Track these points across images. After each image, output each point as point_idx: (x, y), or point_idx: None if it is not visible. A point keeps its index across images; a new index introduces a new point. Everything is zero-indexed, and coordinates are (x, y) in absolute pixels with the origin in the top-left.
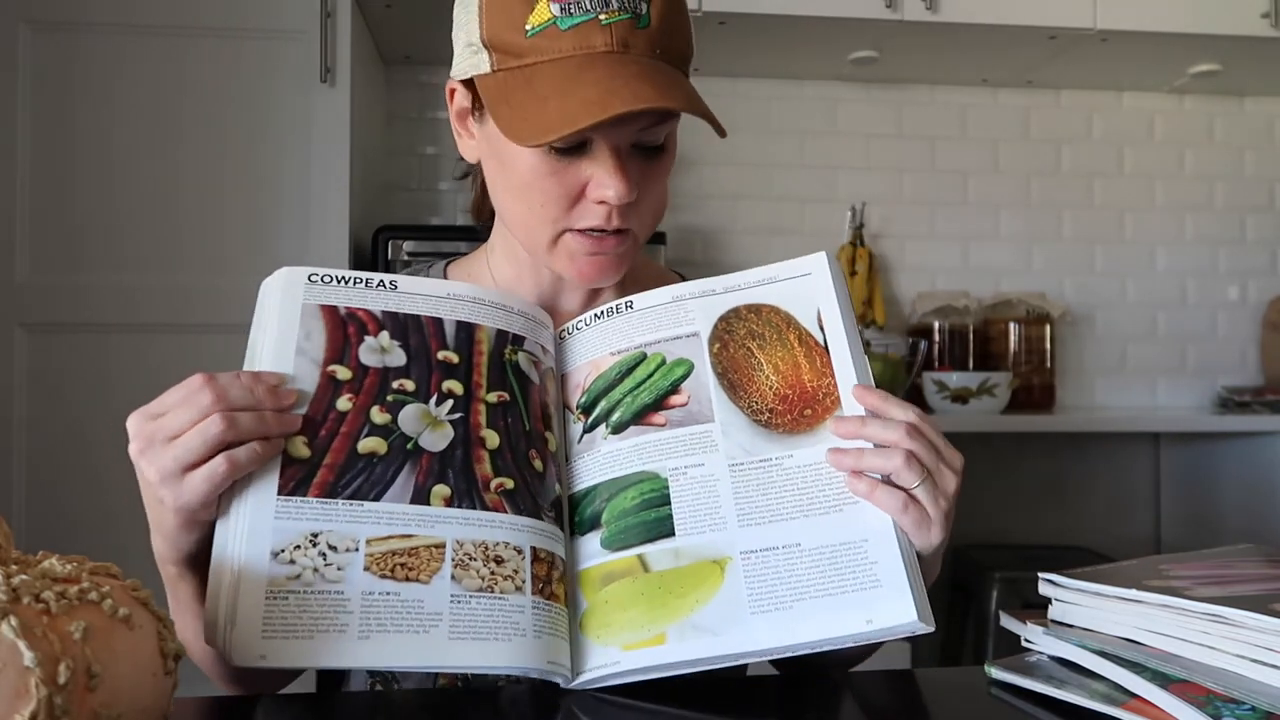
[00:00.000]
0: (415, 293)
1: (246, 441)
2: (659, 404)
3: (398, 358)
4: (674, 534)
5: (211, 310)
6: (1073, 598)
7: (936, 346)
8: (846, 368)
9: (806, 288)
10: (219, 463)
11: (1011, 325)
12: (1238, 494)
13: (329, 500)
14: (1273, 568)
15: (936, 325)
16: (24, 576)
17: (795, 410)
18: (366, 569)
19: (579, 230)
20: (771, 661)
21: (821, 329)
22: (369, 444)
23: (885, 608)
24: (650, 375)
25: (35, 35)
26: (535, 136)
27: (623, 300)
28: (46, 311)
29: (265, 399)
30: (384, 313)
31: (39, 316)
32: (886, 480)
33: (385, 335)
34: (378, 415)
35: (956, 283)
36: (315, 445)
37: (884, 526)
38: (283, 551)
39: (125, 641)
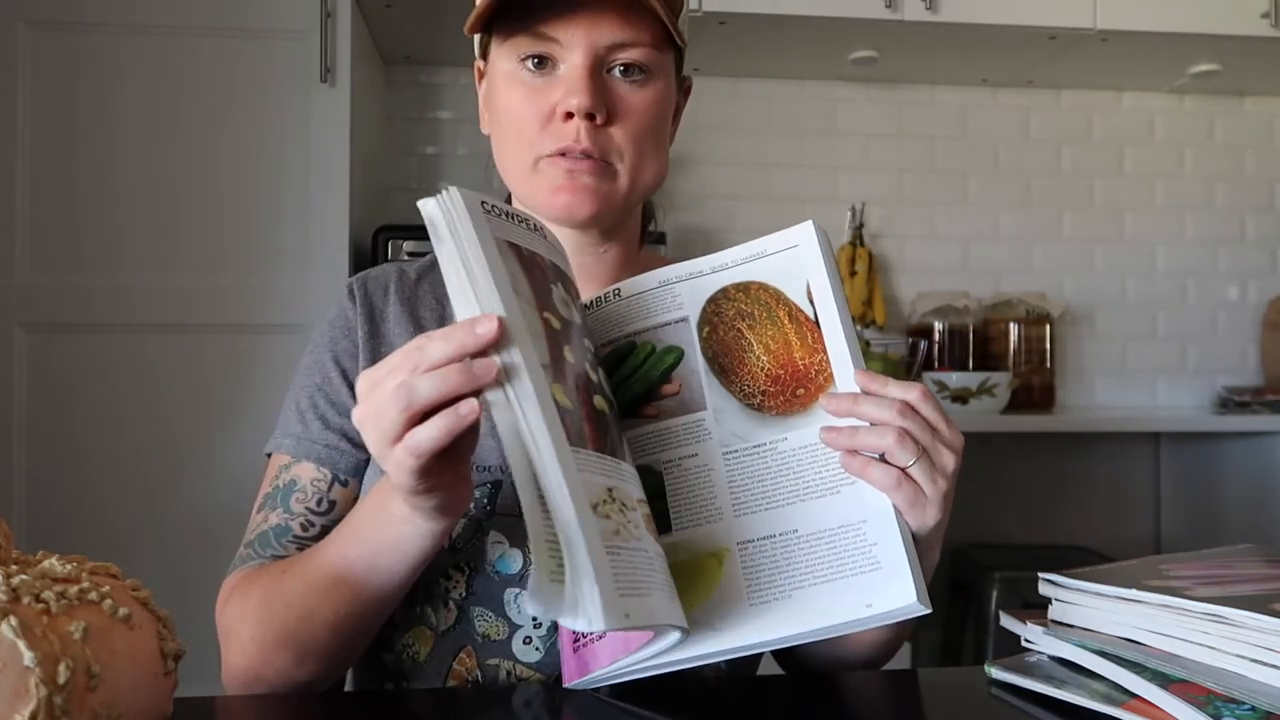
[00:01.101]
0: (550, 243)
1: (441, 406)
2: (650, 394)
3: (572, 312)
4: (671, 529)
5: (211, 310)
6: (1073, 598)
7: (936, 346)
8: (838, 340)
9: (795, 260)
10: (406, 445)
11: (1011, 325)
12: (1238, 494)
13: (604, 456)
14: (1273, 568)
15: (936, 325)
16: (24, 576)
17: (788, 391)
18: (643, 526)
19: (552, 154)
20: (779, 661)
21: (812, 302)
22: (599, 401)
23: (884, 591)
24: (640, 365)
25: (35, 35)
26: (479, 14)
27: (610, 289)
28: (46, 311)
29: (469, 343)
30: (551, 263)
31: (39, 316)
32: (881, 459)
33: (560, 287)
34: (590, 371)
35: (956, 283)
36: (570, 396)
37: (882, 506)
38: (599, 505)
39: (125, 641)
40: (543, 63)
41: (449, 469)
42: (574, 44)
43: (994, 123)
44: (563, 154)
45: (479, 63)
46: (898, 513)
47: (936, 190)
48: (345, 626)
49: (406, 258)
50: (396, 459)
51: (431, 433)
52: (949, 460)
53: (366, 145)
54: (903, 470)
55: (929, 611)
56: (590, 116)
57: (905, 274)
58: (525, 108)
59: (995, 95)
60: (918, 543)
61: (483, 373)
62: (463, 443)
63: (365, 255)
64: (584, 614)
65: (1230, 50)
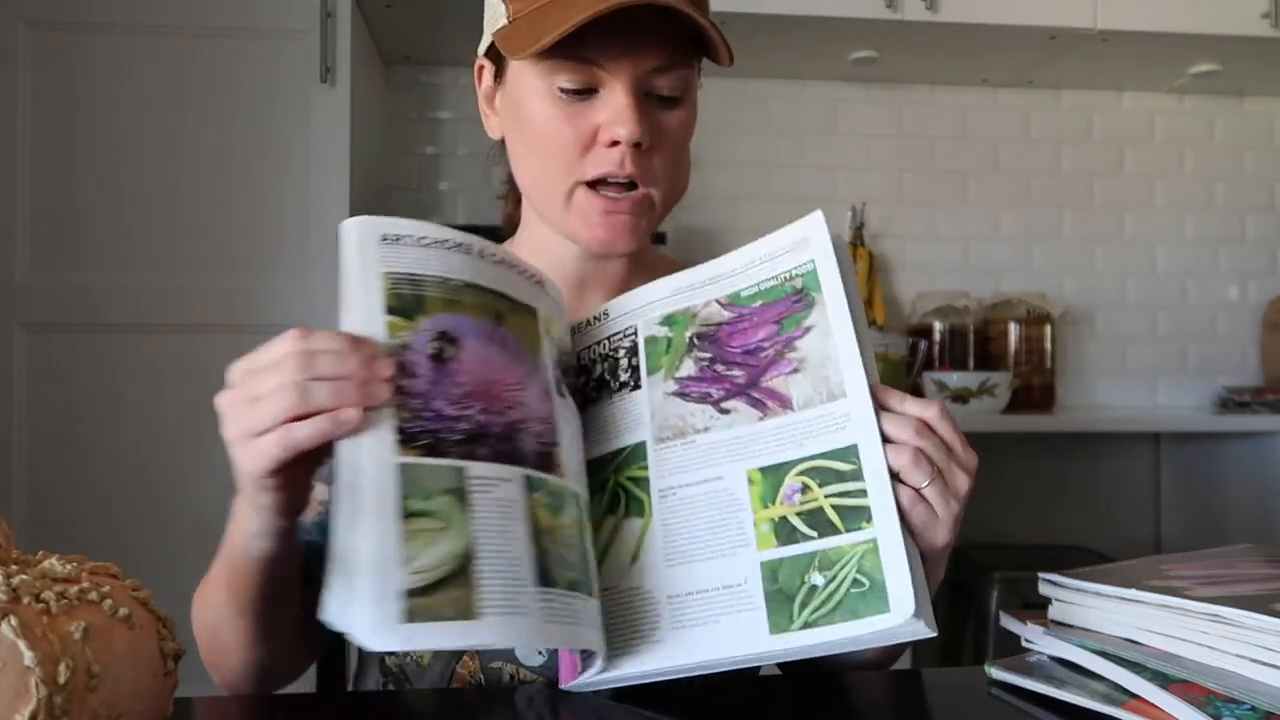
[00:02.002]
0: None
1: (320, 411)
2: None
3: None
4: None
5: (211, 310)
6: (1073, 598)
7: (936, 346)
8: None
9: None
10: (278, 434)
11: (1011, 325)
12: (1238, 494)
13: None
14: (1273, 568)
15: (936, 325)
16: (24, 576)
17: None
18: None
19: (592, 186)
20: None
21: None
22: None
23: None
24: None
25: (35, 35)
26: (531, 43)
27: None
28: (46, 311)
29: (357, 369)
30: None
31: (39, 316)
32: (895, 476)
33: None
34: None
35: (956, 283)
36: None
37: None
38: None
39: (125, 641)
40: (584, 90)
41: (301, 470)
42: (618, 70)
43: (994, 123)
44: (602, 180)
45: (482, 61)
46: (906, 532)
47: (936, 190)
48: (244, 638)
49: None
50: (260, 448)
51: (309, 432)
52: (963, 482)
53: (366, 145)
54: (916, 491)
55: (935, 634)
56: (636, 144)
57: (905, 274)
58: (565, 130)
59: (995, 95)
60: (924, 561)
61: (380, 394)
62: (324, 448)
63: None
64: (355, 631)
65: (1230, 50)
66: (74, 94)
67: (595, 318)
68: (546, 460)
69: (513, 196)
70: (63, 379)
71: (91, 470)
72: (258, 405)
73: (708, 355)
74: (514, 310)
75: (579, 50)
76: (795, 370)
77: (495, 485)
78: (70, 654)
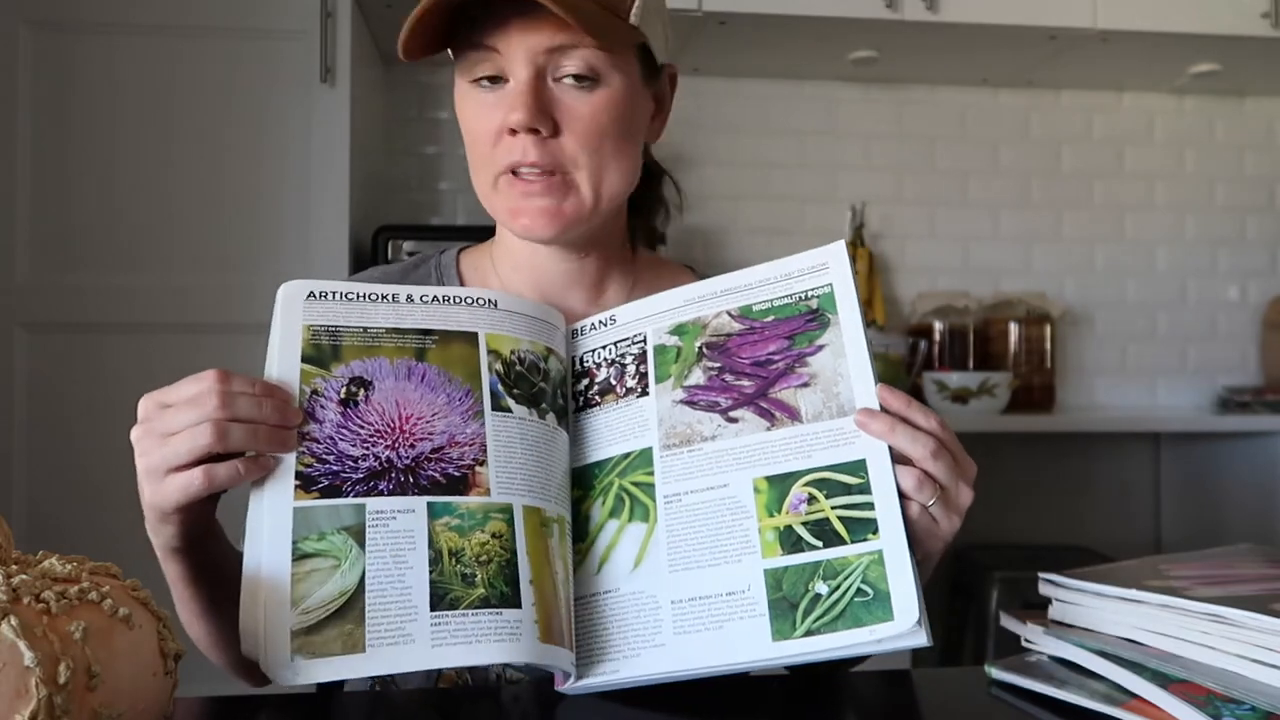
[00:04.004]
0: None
1: (238, 454)
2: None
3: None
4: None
5: (211, 310)
6: (1073, 598)
7: (936, 346)
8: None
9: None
10: (196, 475)
11: (1011, 325)
12: (1238, 494)
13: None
14: (1273, 568)
15: (936, 325)
16: (24, 576)
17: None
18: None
19: (509, 172)
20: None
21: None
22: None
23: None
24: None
25: (35, 35)
26: (403, 29)
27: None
28: (46, 311)
29: (271, 415)
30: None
31: (39, 316)
32: (902, 495)
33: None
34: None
35: (956, 283)
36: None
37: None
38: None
39: (125, 641)
40: (494, 79)
41: (207, 503)
42: (513, 54)
43: (994, 123)
44: (514, 171)
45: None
46: (910, 545)
47: (936, 190)
48: (210, 640)
49: (406, 257)
50: (177, 484)
51: (231, 473)
52: (966, 498)
53: (366, 145)
54: (923, 506)
55: (930, 645)
56: (534, 130)
57: (905, 274)
58: (480, 124)
59: (995, 95)
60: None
61: (290, 442)
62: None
63: (365, 255)
64: (260, 662)
65: (1230, 50)
66: (74, 94)
67: (601, 322)
68: (462, 482)
69: None
70: (63, 379)
71: (91, 470)
72: (171, 441)
73: (717, 365)
74: (444, 341)
75: (476, 36)
76: (805, 384)
77: (393, 518)
78: (70, 654)
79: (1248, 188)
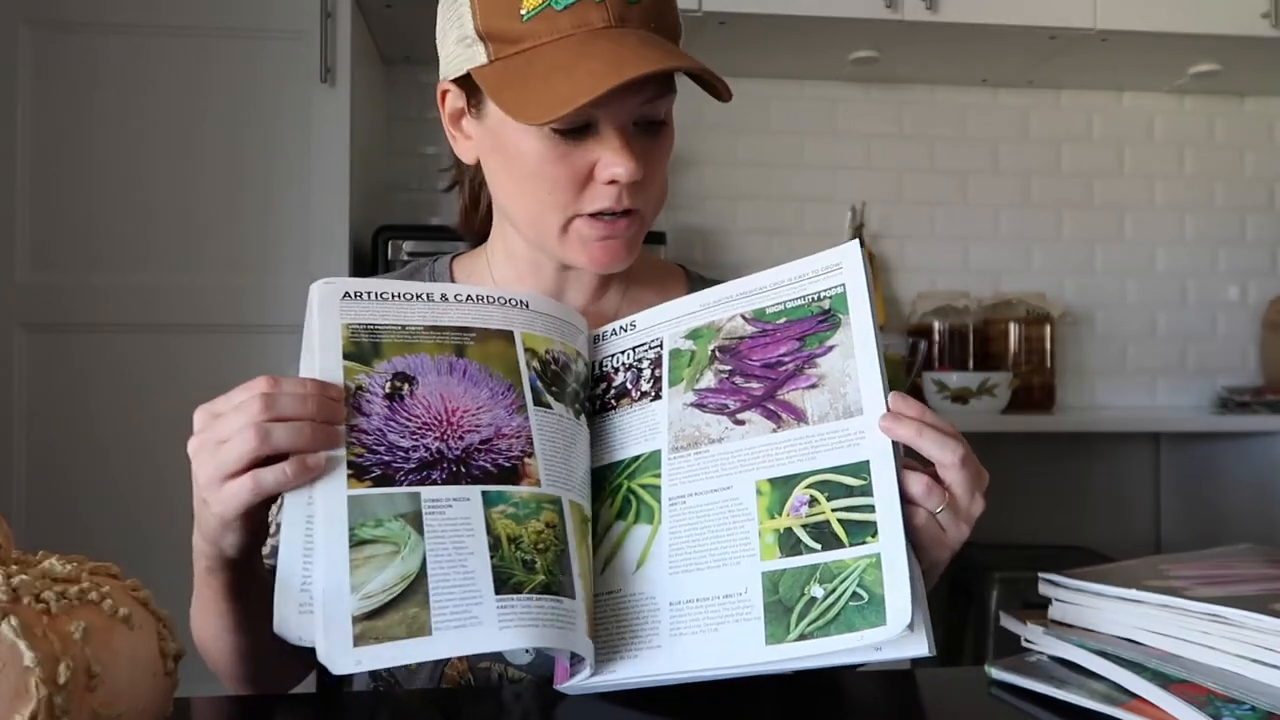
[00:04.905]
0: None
1: (291, 453)
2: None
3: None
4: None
5: (212, 310)
6: (1073, 598)
7: (936, 346)
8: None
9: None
10: (245, 480)
11: (1011, 325)
12: (1238, 494)
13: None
14: (1272, 568)
15: (936, 325)
16: (24, 576)
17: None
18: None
19: (589, 215)
20: None
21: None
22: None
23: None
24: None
25: (35, 35)
26: (545, 113)
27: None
28: (46, 311)
29: (315, 411)
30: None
31: (39, 316)
32: (911, 501)
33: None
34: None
35: (956, 283)
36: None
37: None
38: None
39: (125, 641)
40: (582, 128)
41: (262, 508)
42: (616, 111)
43: (994, 123)
44: (600, 213)
45: (447, 86)
46: (910, 549)
47: (936, 190)
48: (233, 655)
49: (406, 258)
50: (231, 491)
51: (279, 476)
52: (979, 509)
53: (366, 145)
54: (930, 513)
55: (933, 655)
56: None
57: (905, 274)
58: (560, 170)
59: (995, 95)
60: (924, 573)
61: (336, 440)
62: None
63: (365, 255)
64: (319, 657)
65: (1230, 50)
66: (74, 94)
67: (622, 328)
68: (514, 473)
69: (482, 209)
70: (63, 379)
71: (92, 470)
72: (223, 448)
73: (728, 368)
74: (481, 338)
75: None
76: (813, 385)
77: (450, 505)
78: (70, 654)
79: (1247, 188)
